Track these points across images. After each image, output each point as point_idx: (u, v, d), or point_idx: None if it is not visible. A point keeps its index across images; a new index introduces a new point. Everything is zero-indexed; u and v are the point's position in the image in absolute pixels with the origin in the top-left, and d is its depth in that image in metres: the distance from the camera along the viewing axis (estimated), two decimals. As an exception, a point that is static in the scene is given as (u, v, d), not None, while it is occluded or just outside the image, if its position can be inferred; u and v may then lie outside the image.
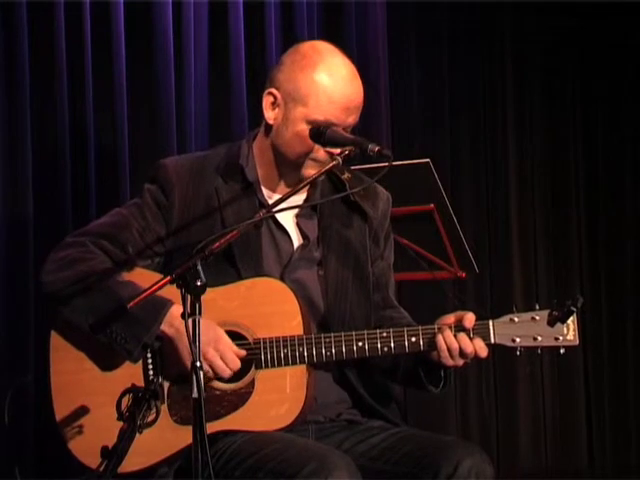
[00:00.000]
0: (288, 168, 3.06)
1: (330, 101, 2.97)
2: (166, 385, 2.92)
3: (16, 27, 4.03)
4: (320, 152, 3.00)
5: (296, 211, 3.09)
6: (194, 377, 2.53)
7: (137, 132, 4.31)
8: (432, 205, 4.02)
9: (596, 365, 5.76)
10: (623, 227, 5.78)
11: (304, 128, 2.99)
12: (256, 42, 4.60)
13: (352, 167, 3.20)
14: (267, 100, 3.06)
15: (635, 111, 5.75)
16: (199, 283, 2.56)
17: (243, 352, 2.92)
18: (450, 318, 2.95)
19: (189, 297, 2.56)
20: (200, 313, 2.56)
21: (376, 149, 2.92)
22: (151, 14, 4.35)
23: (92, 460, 2.78)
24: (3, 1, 4.01)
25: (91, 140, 4.17)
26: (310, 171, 3.01)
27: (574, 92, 5.83)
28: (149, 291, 2.65)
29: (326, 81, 2.98)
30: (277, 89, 3.03)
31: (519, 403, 5.65)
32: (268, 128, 3.08)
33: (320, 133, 2.96)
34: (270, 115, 3.05)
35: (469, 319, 2.92)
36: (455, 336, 2.90)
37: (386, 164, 2.92)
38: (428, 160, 3.97)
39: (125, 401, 2.70)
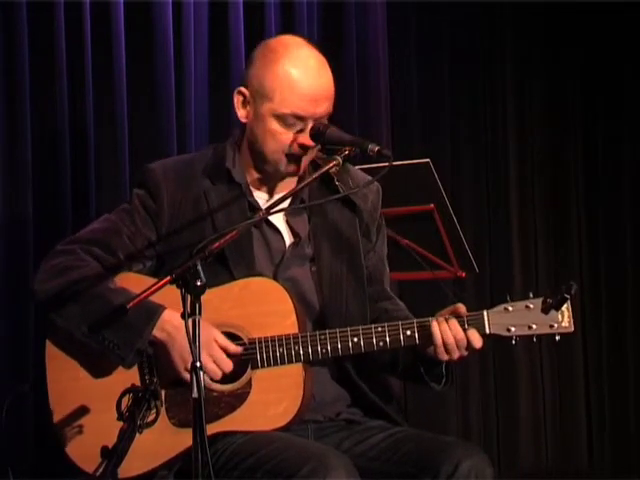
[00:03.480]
0: (267, 165, 3.04)
1: (294, 93, 2.95)
2: (162, 389, 2.91)
3: (16, 27, 4.03)
4: (294, 146, 2.98)
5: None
6: (194, 377, 2.52)
7: (137, 132, 4.31)
8: (432, 205, 4.01)
9: (596, 365, 5.75)
10: (623, 227, 5.77)
11: (273, 123, 2.97)
12: (256, 42, 4.55)
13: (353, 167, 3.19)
14: (237, 99, 3.05)
15: (635, 111, 5.74)
16: (199, 283, 2.56)
17: (239, 348, 2.91)
18: (443, 314, 2.94)
19: (189, 297, 2.56)
20: (200, 313, 2.55)
21: (376, 149, 2.92)
22: (151, 14, 4.35)
23: (90, 465, 2.78)
24: (3, 1, 4.01)
25: (91, 140, 4.17)
26: (290, 167, 3.01)
27: (574, 92, 5.82)
28: (149, 291, 2.65)
29: (290, 74, 2.96)
30: (246, 87, 3.03)
31: (519, 403, 5.64)
32: (244, 127, 3.08)
33: (320, 133, 2.96)
34: (242, 113, 3.05)
35: (460, 307, 2.92)
36: (447, 320, 2.89)
37: (386, 164, 2.92)
38: (428, 160, 3.97)
39: (125, 401, 2.69)
